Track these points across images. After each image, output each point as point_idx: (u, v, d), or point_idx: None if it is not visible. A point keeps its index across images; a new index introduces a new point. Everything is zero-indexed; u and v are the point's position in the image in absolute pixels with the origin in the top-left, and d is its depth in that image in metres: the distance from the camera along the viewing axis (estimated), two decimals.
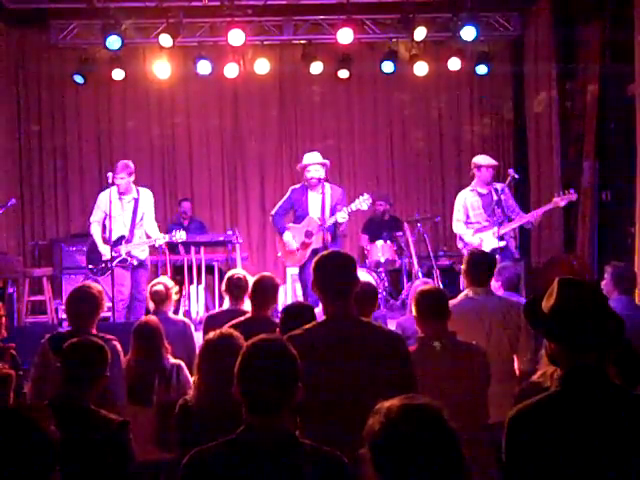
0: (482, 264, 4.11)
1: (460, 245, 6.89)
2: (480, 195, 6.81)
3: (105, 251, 6.75)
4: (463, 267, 4.16)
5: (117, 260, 6.72)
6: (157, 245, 7.01)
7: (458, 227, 6.89)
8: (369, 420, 1.76)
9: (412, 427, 1.70)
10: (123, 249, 6.77)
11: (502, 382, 3.60)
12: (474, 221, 6.78)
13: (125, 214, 6.88)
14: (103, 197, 6.90)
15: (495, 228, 6.58)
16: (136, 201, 6.91)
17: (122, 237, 6.82)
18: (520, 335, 3.89)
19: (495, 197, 6.68)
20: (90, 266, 6.94)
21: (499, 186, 6.79)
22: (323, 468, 2.09)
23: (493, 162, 6.91)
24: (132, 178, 6.90)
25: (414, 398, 1.79)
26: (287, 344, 2.23)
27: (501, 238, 6.63)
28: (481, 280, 4.04)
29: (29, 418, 1.83)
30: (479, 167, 6.84)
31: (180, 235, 6.90)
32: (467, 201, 6.84)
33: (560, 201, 6.64)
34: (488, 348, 3.76)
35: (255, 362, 2.14)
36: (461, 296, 4.08)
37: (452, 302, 4.05)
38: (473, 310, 3.94)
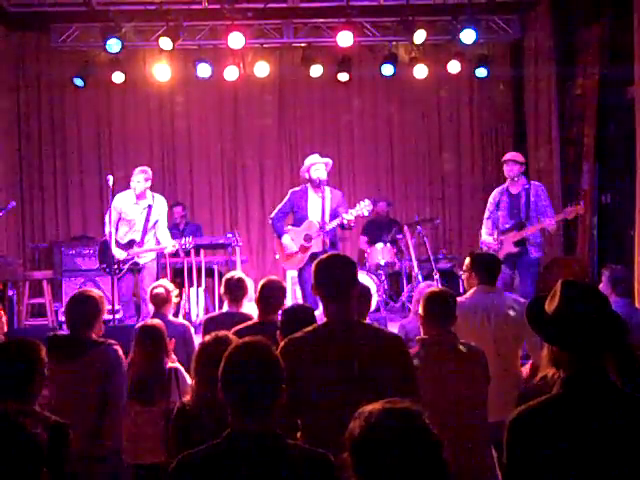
0: (487, 264, 4.17)
1: (483, 247, 6.80)
2: (509, 196, 6.71)
3: (118, 254, 6.86)
4: (466, 269, 4.18)
5: (129, 263, 6.86)
6: (166, 252, 7.05)
7: (485, 225, 6.83)
8: (350, 424, 1.76)
9: (392, 431, 1.69)
10: (133, 252, 6.90)
11: (506, 380, 3.61)
12: (499, 222, 6.70)
13: (139, 219, 6.97)
14: (119, 198, 7.00)
15: (513, 232, 6.53)
16: (150, 207, 7.00)
17: (133, 241, 6.92)
18: (529, 332, 3.89)
19: (523, 199, 6.59)
20: (103, 265, 7.02)
21: (533, 186, 6.69)
22: (310, 469, 2.09)
23: (516, 158, 6.76)
24: (149, 184, 6.98)
25: (395, 402, 1.78)
26: (270, 346, 2.23)
27: (518, 244, 6.54)
28: (488, 279, 4.09)
29: (17, 422, 1.83)
30: (503, 162, 6.77)
31: (189, 241, 6.96)
32: (497, 199, 6.76)
33: (569, 213, 6.51)
34: (494, 345, 3.77)
35: (237, 366, 2.14)
36: (470, 292, 4.11)
37: (460, 298, 4.07)
38: (480, 307, 3.97)
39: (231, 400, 2.13)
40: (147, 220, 6.97)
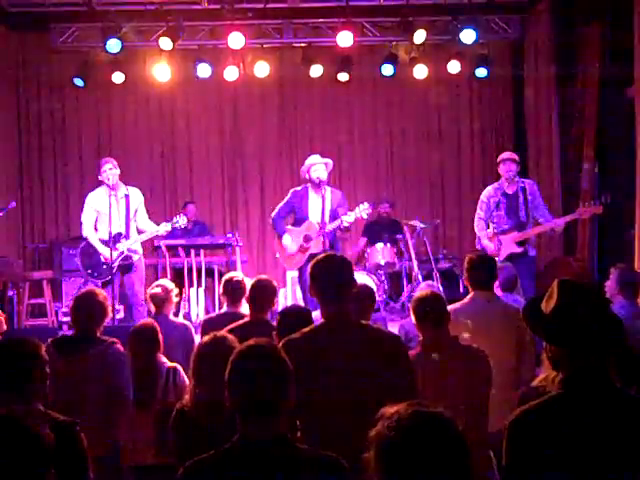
0: (483, 267, 4.07)
1: (479, 247, 6.73)
2: (505, 195, 6.61)
3: (106, 252, 6.60)
4: (465, 272, 4.13)
5: (119, 258, 6.63)
6: (161, 234, 6.89)
7: (477, 225, 6.73)
8: (377, 425, 1.73)
9: (426, 435, 1.67)
10: (123, 246, 6.67)
11: (504, 389, 3.57)
12: (495, 221, 6.58)
13: (118, 210, 6.72)
14: (94, 195, 6.80)
15: (514, 232, 6.47)
16: (127, 197, 6.76)
17: (119, 234, 6.69)
18: (524, 341, 3.86)
19: (521, 199, 6.53)
20: (89, 271, 6.79)
21: (527, 184, 6.64)
22: (321, 473, 2.05)
23: (514, 157, 6.70)
24: (118, 171, 6.72)
25: (424, 405, 1.76)
26: (277, 348, 2.19)
27: (520, 244, 6.49)
28: (484, 283, 4.02)
29: (23, 423, 1.82)
30: (500, 161, 6.69)
31: (182, 221, 6.83)
32: (491, 200, 6.64)
33: (584, 213, 6.44)
34: (491, 354, 3.73)
35: (245, 368, 2.09)
36: (466, 299, 4.05)
37: (456, 305, 4.00)
38: (477, 314, 3.90)
39: (240, 405, 2.07)
40: (127, 210, 6.73)
